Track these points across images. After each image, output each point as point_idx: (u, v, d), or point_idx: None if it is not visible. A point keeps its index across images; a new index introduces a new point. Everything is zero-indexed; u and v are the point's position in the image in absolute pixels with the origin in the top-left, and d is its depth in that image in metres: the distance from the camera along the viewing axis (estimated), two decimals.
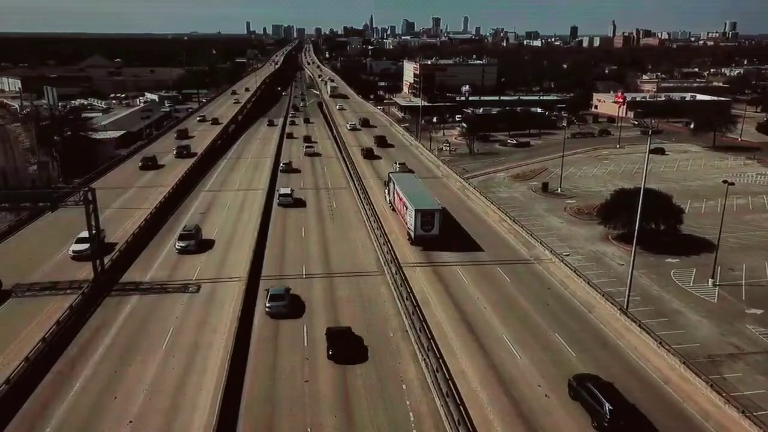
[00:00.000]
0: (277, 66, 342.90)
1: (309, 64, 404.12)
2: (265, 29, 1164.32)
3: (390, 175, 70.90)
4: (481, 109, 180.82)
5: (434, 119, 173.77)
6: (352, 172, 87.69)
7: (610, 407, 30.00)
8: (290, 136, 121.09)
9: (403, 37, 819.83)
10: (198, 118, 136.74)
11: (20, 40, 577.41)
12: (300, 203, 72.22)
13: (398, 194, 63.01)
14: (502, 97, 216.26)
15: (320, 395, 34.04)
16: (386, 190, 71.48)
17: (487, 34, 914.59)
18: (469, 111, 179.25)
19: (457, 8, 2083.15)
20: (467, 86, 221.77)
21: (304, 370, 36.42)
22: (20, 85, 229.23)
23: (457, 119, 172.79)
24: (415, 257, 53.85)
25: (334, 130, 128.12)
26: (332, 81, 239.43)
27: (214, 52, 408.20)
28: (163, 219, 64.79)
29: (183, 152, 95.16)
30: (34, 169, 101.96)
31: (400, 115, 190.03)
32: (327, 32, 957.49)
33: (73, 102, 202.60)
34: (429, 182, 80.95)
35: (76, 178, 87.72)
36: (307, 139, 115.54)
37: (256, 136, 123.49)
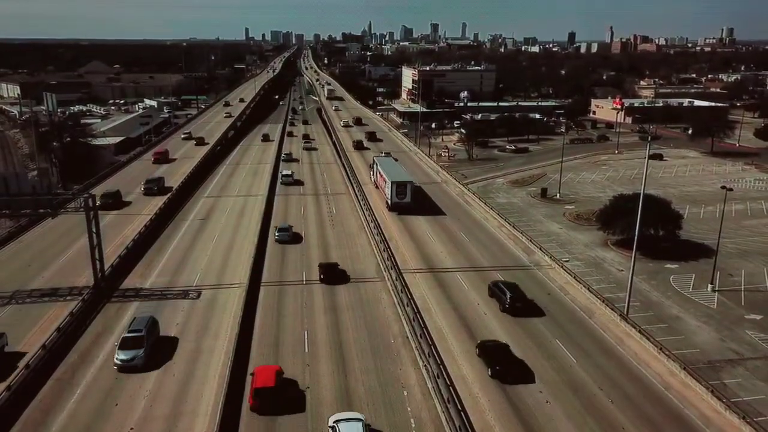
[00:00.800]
0: (275, 72, 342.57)
1: (307, 69, 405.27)
2: (263, 35, 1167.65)
3: (374, 158, 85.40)
4: (480, 115, 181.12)
5: (433, 125, 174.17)
6: (350, 173, 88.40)
7: (511, 294, 44.02)
8: (290, 134, 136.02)
9: (401, 43, 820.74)
10: (182, 136, 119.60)
11: (19, 45, 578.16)
12: (299, 183, 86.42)
13: (380, 172, 76.28)
14: (500, 103, 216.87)
15: (322, 401, 34.05)
16: (371, 172, 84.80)
17: (486, 40, 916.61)
18: (468, 117, 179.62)
19: (456, 14, 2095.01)
20: (466, 92, 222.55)
21: (305, 375, 36.54)
22: (19, 91, 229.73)
23: (456, 125, 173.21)
24: (416, 263, 53.97)
25: (333, 136, 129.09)
26: (329, 84, 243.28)
27: (213, 58, 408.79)
28: (164, 224, 64.92)
29: (153, 188, 74.40)
30: (33, 175, 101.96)
31: (399, 121, 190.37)
32: (325, 38, 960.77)
33: (72, 108, 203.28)
34: (428, 187, 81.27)
35: (76, 184, 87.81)
36: (305, 137, 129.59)
37: (253, 143, 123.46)
